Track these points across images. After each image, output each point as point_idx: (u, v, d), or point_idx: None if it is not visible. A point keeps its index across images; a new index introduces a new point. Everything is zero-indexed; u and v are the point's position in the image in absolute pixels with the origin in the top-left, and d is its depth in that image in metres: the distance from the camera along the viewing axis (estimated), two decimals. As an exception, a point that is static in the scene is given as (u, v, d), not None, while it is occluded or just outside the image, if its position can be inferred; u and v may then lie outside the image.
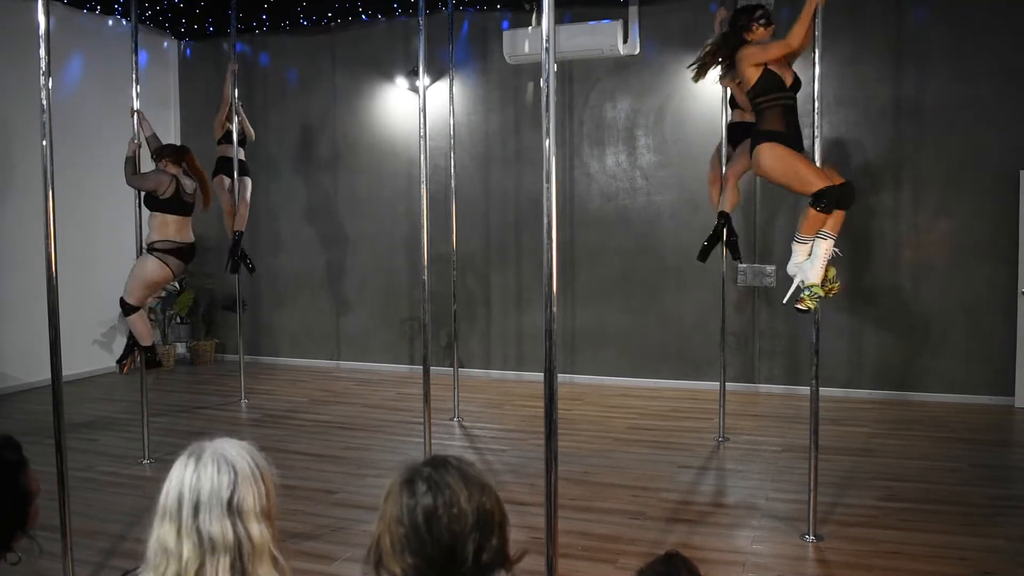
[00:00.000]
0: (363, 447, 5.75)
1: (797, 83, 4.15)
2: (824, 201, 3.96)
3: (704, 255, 5.52)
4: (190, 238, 5.54)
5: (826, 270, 4.14)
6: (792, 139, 4.06)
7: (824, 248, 4.10)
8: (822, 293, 4.08)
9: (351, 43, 8.54)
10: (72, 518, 3.21)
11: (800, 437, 5.45)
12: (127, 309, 5.54)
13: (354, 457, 5.51)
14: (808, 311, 4.08)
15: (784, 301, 4.25)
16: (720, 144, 5.56)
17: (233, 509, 1.47)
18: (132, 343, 5.69)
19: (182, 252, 5.52)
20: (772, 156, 4.02)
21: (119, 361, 5.79)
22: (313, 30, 8.63)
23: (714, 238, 5.45)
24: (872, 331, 6.88)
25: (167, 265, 5.45)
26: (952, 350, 6.66)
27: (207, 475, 1.48)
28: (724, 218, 5.41)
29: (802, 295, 4.10)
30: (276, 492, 1.59)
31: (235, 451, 1.53)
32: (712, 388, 6.28)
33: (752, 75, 4.07)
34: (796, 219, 6.97)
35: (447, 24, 6.66)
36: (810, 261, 4.11)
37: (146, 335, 5.61)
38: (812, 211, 4.02)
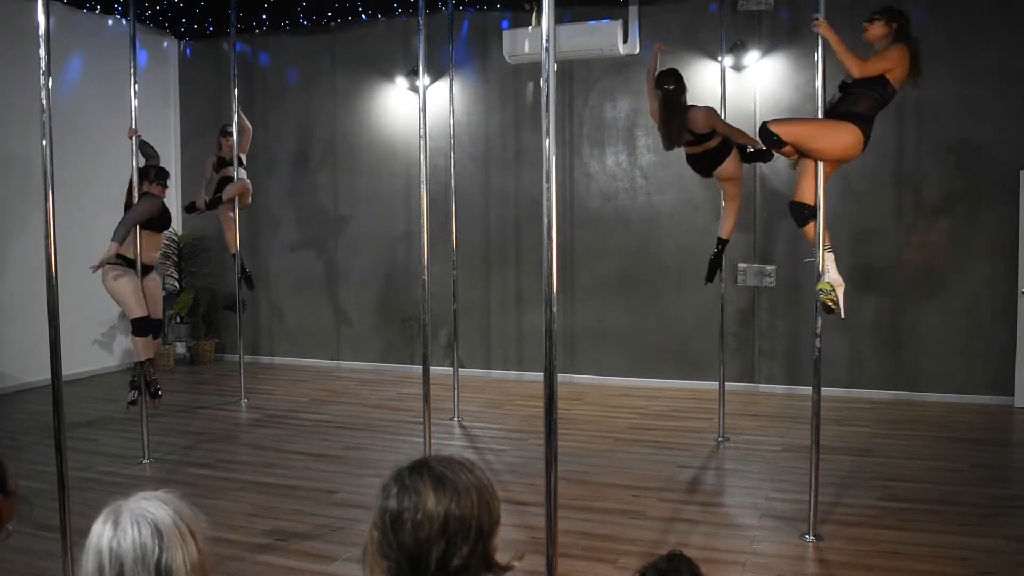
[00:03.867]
0: (363, 447, 5.75)
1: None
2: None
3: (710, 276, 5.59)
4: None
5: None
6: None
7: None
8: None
9: (351, 43, 8.54)
10: (72, 518, 3.21)
11: (800, 437, 5.45)
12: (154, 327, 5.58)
13: (354, 457, 5.51)
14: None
15: (843, 316, 4.22)
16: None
17: (162, 571, 1.33)
18: (138, 380, 5.48)
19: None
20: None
21: (156, 394, 5.51)
22: (313, 30, 8.64)
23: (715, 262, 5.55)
24: (872, 331, 6.88)
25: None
26: (952, 350, 6.66)
27: (128, 540, 1.33)
28: (722, 245, 5.51)
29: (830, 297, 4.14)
30: (218, 543, 1.43)
31: (155, 507, 1.37)
32: (712, 388, 6.28)
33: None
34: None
35: (447, 24, 6.66)
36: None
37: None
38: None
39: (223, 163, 7.11)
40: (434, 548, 1.33)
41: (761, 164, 7.08)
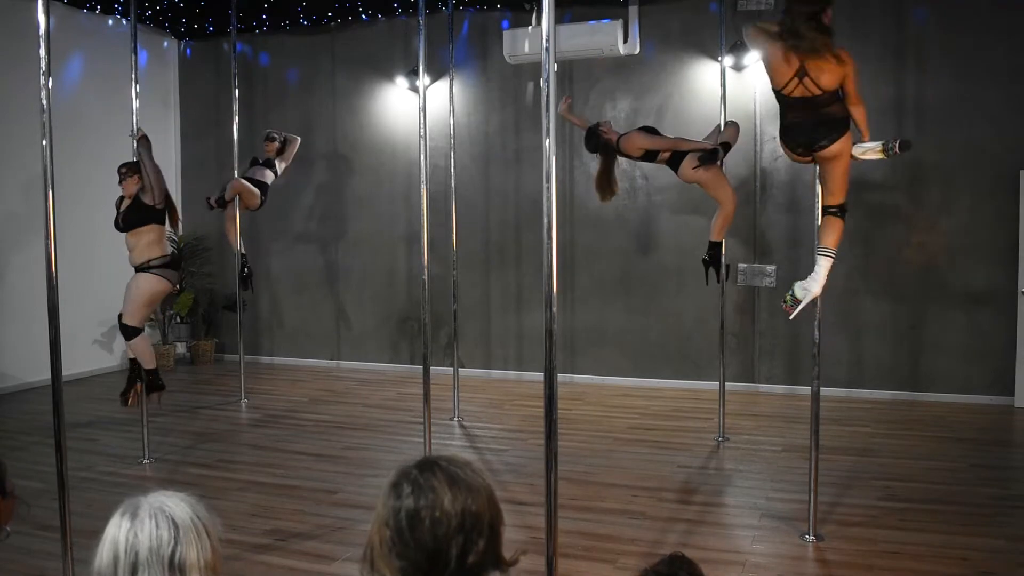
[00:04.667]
0: (363, 447, 5.75)
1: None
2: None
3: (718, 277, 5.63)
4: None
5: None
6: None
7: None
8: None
9: (351, 43, 8.54)
10: (72, 518, 3.21)
11: (800, 437, 5.45)
12: (130, 332, 5.31)
13: (354, 457, 5.51)
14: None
15: (791, 317, 4.16)
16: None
17: (175, 566, 1.35)
18: (134, 374, 5.42)
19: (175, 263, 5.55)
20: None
21: (123, 394, 5.43)
22: (313, 30, 8.63)
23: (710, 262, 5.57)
24: (872, 331, 6.88)
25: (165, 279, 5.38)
26: (952, 350, 6.65)
27: (145, 532, 1.36)
28: (712, 247, 5.50)
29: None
30: (222, 544, 1.45)
31: (174, 504, 1.41)
32: (712, 388, 6.28)
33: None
34: (794, 219, 7.01)
35: (447, 24, 6.66)
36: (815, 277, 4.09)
37: (151, 357, 5.45)
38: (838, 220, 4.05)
39: (254, 162, 7.23)
40: (453, 544, 1.35)
41: (762, 163, 7.11)
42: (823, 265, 4.04)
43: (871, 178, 6.74)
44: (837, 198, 4.04)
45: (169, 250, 5.47)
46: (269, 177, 7.14)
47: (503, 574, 1.43)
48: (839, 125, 3.87)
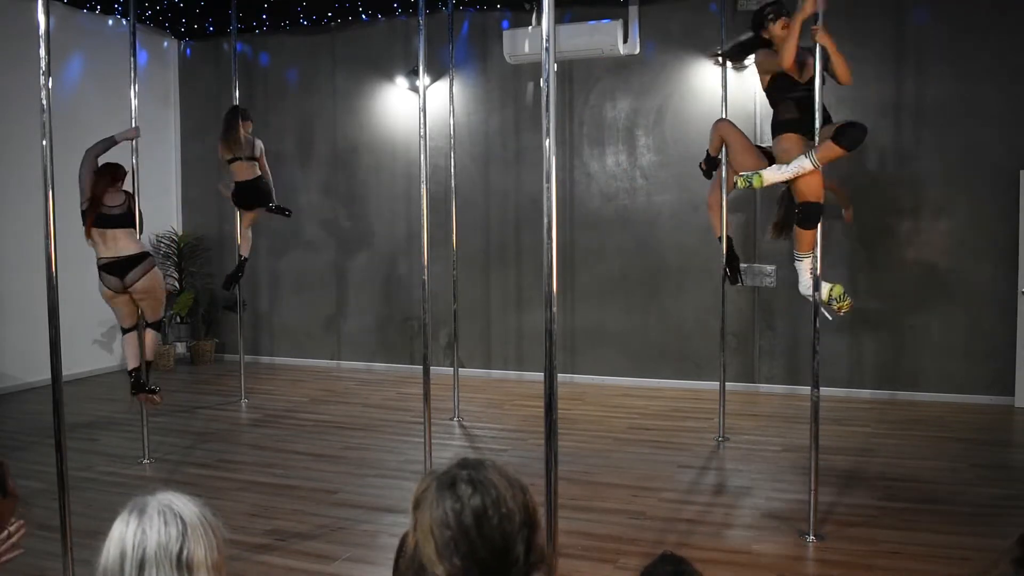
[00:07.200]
0: (363, 447, 5.75)
1: (812, 80, 4.19)
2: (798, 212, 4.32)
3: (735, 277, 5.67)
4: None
5: (832, 288, 4.44)
6: (805, 127, 4.23)
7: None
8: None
9: (351, 43, 8.54)
10: (72, 518, 3.21)
11: (800, 437, 5.45)
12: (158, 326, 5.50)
13: (354, 457, 5.51)
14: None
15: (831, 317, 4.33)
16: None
17: (183, 564, 1.35)
18: (139, 376, 5.36)
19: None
20: (790, 143, 4.32)
21: (145, 391, 5.35)
22: (313, 30, 8.64)
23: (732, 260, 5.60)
24: (872, 331, 6.88)
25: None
26: (952, 350, 6.65)
27: (153, 529, 1.36)
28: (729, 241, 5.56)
29: (838, 304, 4.40)
30: (225, 546, 1.47)
31: (181, 503, 1.42)
32: (712, 388, 6.28)
33: (764, 80, 4.51)
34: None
35: (447, 24, 6.66)
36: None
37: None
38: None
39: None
40: (519, 540, 1.36)
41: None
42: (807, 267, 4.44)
43: (870, 177, 6.74)
44: None
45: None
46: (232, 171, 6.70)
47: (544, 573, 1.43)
48: None
